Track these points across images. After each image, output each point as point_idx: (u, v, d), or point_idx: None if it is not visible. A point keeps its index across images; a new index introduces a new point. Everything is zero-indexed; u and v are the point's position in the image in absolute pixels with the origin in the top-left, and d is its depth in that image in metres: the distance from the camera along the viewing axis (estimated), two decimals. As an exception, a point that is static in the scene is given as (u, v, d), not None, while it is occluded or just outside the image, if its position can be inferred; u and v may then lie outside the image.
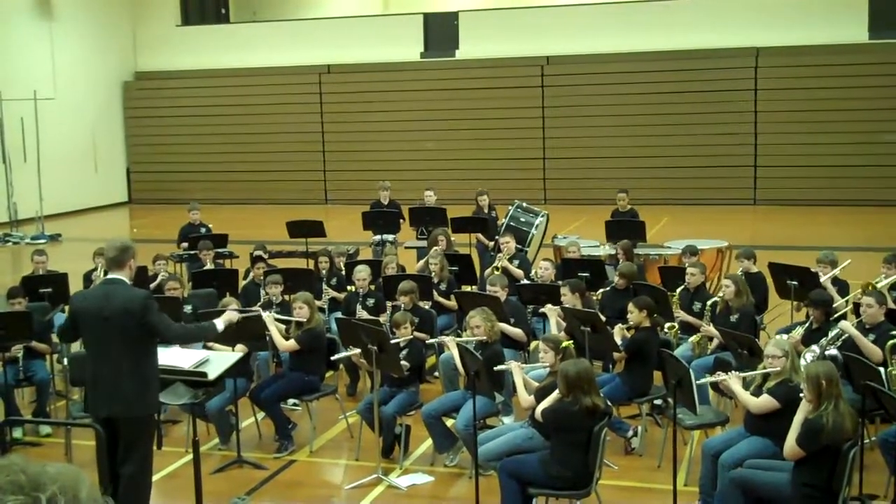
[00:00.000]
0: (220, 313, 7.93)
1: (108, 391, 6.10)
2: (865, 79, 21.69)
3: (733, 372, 6.74)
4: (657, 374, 7.89)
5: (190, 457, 6.73)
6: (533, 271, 11.00)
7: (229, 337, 7.93)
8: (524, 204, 13.99)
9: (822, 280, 9.33)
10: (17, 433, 8.50)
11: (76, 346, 9.45)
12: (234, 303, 8.75)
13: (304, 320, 8.34)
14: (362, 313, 9.60)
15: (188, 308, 9.43)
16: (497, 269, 10.82)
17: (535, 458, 6.38)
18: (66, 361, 8.86)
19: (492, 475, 6.84)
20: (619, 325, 8.32)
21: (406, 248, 13.78)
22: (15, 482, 1.92)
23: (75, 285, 10.72)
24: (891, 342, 7.41)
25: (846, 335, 7.68)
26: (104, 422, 6.10)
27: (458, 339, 7.74)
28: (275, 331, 8.34)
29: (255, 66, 25.38)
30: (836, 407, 5.74)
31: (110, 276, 6.27)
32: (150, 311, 6.09)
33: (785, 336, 7.74)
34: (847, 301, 9.22)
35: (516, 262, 11.16)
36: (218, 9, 28.28)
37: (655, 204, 19.23)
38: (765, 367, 6.54)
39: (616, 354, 8.23)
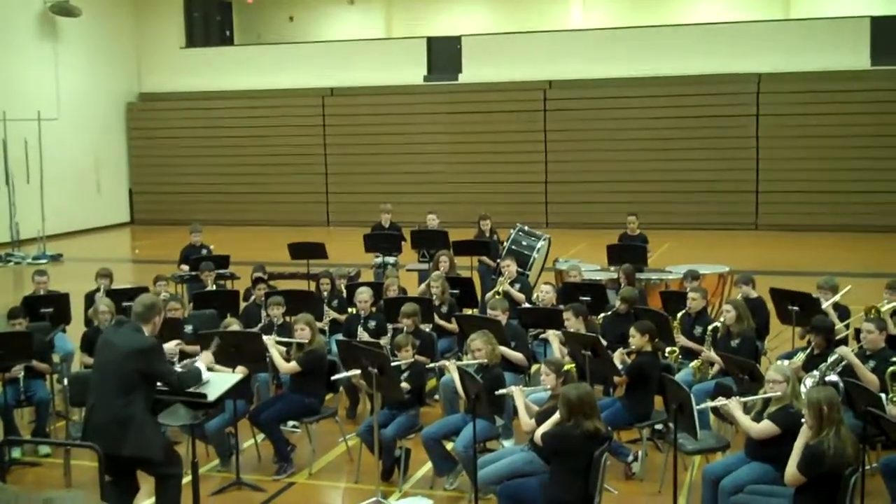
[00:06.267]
0: (216, 335, 7.97)
1: (92, 423, 6.25)
2: (867, 105, 21.73)
3: (734, 397, 6.72)
4: (658, 399, 7.86)
5: (189, 478, 6.71)
6: (534, 295, 10.99)
7: (229, 358, 7.93)
8: (526, 227, 13.98)
9: (823, 306, 9.30)
10: (16, 453, 8.48)
11: (76, 367, 9.48)
12: (236, 324, 8.77)
13: (306, 342, 8.34)
14: (363, 335, 9.61)
15: (188, 328, 9.43)
16: (498, 292, 10.82)
17: (534, 481, 6.36)
18: (66, 382, 8.85)
19: (491, 499, 6.81)
20: (620, 349, 8.31)
21: (407, 270, 13.78)
22: None
23: (76, 306, 10.73)
24: (890, 369, 7.39)
25: (846, 361, 7.66)
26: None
27: (459, 362, 7.72)
28: (276, 353, 8.34)
29: (259, 88, 25.49)
30: (838, 433, 5.72)
31: (134, 322, 6.43)
32: (151, 359, 6.23)
33: (786, 362, 7.71)
34: (848, 325, 9.20)
35: (517, 285, 11.15)
36: (222, 31, 28.46)
37: (657, 228, 19.19)
38: (765, 392, 6.52)
39: (617, 379, 8.21)
